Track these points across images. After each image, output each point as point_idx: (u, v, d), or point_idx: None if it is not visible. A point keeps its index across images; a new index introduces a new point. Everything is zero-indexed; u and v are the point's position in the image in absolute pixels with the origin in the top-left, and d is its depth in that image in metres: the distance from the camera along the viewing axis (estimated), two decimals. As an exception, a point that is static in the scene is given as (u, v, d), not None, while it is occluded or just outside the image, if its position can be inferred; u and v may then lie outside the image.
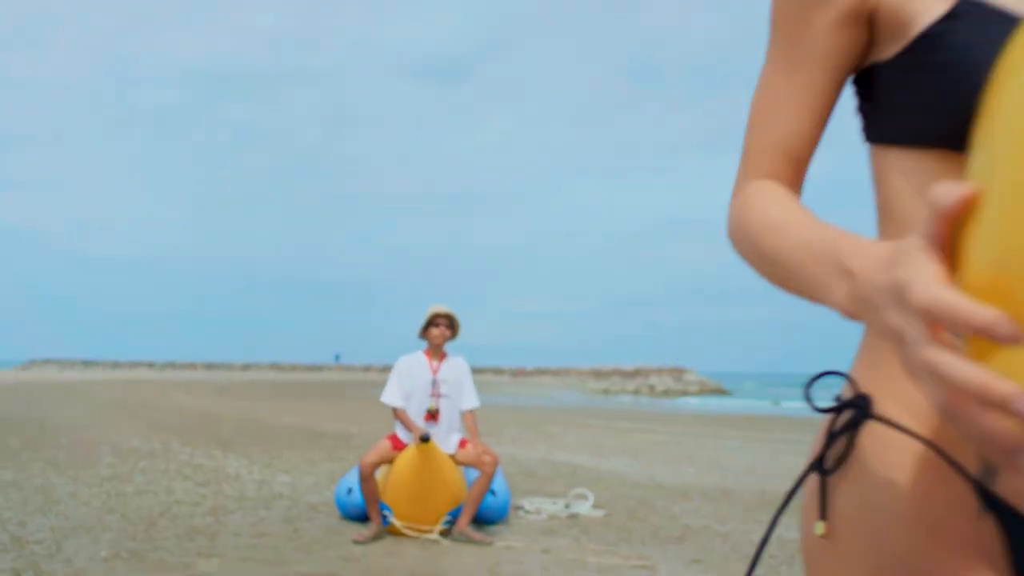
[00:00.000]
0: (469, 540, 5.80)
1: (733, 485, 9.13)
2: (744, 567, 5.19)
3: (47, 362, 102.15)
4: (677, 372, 70.38)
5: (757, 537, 6.17)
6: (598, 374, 76.53)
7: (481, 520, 6.49)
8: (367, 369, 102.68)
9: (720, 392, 60.10)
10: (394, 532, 5.98)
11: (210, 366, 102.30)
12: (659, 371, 71.42)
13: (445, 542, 5.78)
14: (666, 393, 57.03)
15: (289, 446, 12.54)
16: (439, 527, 5.93)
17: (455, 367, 6.35)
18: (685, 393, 57.28)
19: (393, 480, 5.93)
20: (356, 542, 5.72)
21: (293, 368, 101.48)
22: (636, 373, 72.03)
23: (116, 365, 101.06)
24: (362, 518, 6.46)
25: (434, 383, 6.20)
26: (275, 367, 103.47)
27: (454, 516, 6.01)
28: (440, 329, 6.25)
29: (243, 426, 16.53)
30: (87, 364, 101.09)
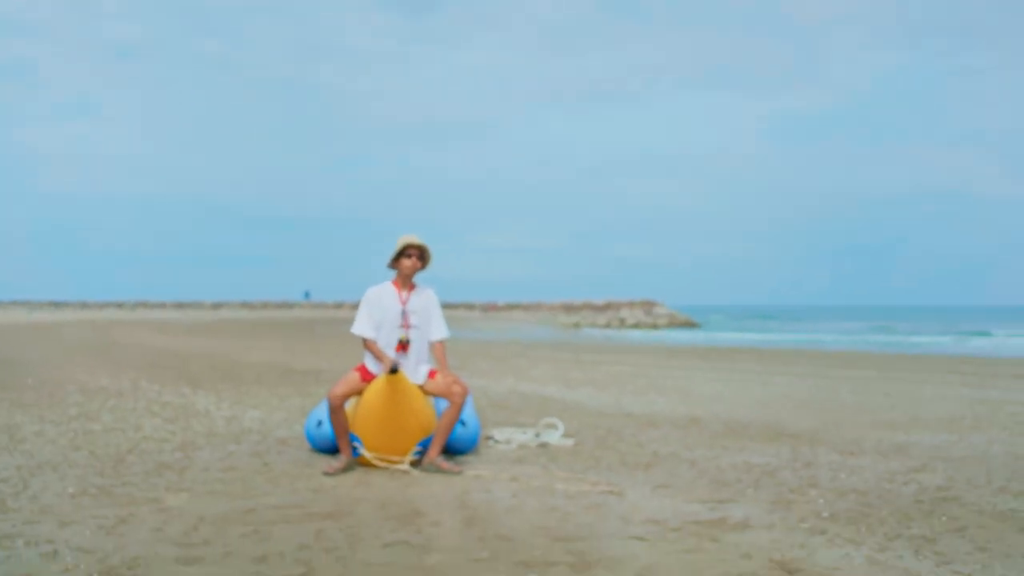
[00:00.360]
0: (439, 470, 5.83)
1: (701, 414, 9.23)
2: (711, 491, 5.26)
3: (14, 303, 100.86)
4: (647, 306, 70.86)
5: (724, 463, 6.26)
6: (569, 308, 76.90)
7: (451, 451, 6.52)
8: (339, 306, 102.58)
9: (690, 325, 60.65)
10: (364, 463, 6.00)
11: (180, 305, 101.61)
12: (630, 305, 71.87)
13: (415, 472, 5.80)
14: (636, 326, 57.46)
15: (259, 382, 12.52)
16: (409, 457, 5.95)
17: (424, 298, 6.29)
18: (655, 326, 57.74)
19: (362, 411, 5.93)
20: (326, 474, 5.74)
21: (264, 306, 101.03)
22: (607, 307, 72.43)
23: (85, 306, 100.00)
24: (332, 450, 6.47)
25: (403, 314, 6.14)
26: (245, 305, 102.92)
27: (424, 447, 6.03)
28: (411, 260, 6.17)
29: (213, 364, 16.48)
30: (56, 305, 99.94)
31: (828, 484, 5.50)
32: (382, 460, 5.92)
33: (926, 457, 6.57)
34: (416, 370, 6.15)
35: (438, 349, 6.26)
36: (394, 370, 5.70)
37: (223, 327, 41.89)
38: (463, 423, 6.50)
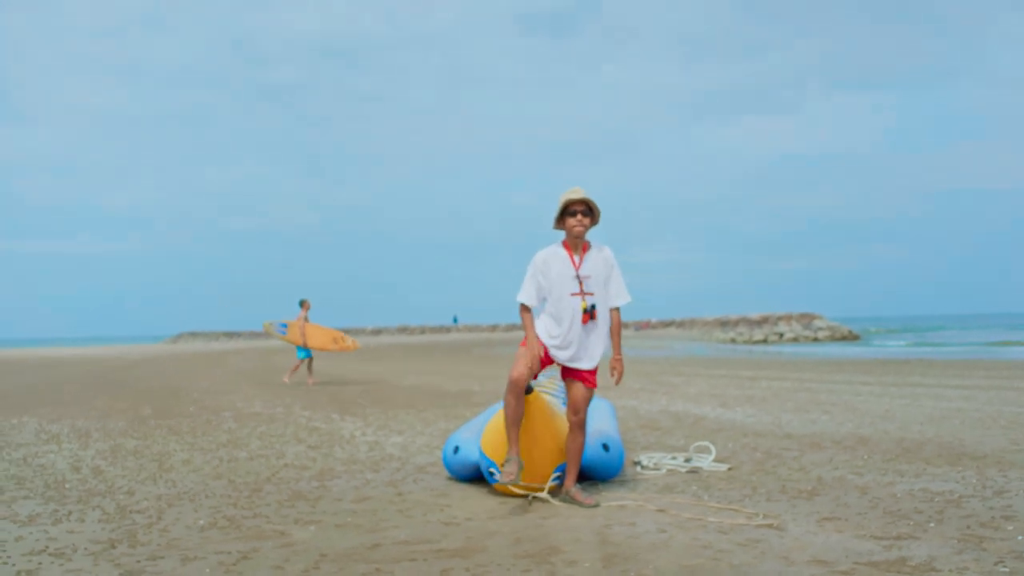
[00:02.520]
0: (574, 501, 5.39)
1: (869, 433, 8.47)
2: (886, 525, 4.65)
3: (194, 334, 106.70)
4: (806, 319, 68.08)
5: (899, 490, 5.59)
6: (724, 323, 74.87)
7: (595, 477, 6.12)
8: (493, 328, 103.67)
9: (851, 338, 57.79)
10: (502, 490, 5.68)
11: (344, 331, 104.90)
12: (787, 318, 69.27)
13: (555, 502, 5.43)
14: (795, 340, 55.23)
15: (408, 406, 12.47)
16: (549, 484, 5.59)
17: (601, 259, 5.55)
18: (815, 340, 55.31)
19: (499, 435, 5.62)
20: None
21: (422, 330, 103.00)
22: (763, 321, 70.04)
23: (256, 335, 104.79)
24: (471, 478, 6.18)
25: (578, 279, 5.44)
26: (403, 329, 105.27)
27: (564, 471, 5.66)
28: (577, 218, 5.42)
29: (366, 388, 16.64)
30: (230, 335, 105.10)
31: (1026, 516, 4.77)
32: (520, 488, 5.58)
33: None
34: (594, 349, 5.51)
35: (615, 318, 5.59)
36: (528, 390, 5.35)
37: (381, 351, 42.82)
38: (606, 447, 6.09)
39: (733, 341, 56.06)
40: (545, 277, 5.46)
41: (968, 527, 4.55)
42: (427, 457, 7.48)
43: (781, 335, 58.02)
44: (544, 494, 5.51)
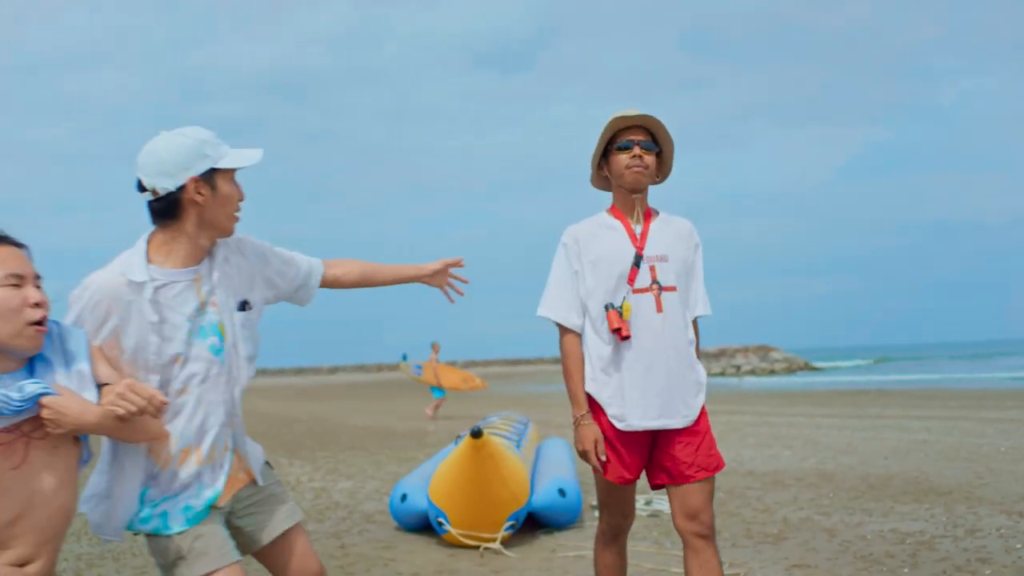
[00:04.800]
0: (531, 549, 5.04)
1: (832, 468, 8.25)
2: (858, 570, 4.38)
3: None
4: (763, 351, 68.41)
5: (869, 531, 5.33)
6: (681, 357, 74.87)
7: (550, 524, 5.79)
8: (450, 364, 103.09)
9: (809, 369, 58.17)
10: (451, 541, 5.33)
11: (299, 371, 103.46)
12: (744, 350, 69.58)
13: (509, 553, 5.09)
14: (752, 372, 55.43)
15: (358, 447, 12.05)
16: (501, 534, 5.25)
17: (679, 234, 3.07)
18: (772, 372, 55.55)
19: (447, 482, 5.28)
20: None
21: (379, 368, 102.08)
22: (720, 354, 70.23)
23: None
24: (419, 527, 5.82)
25: (644, 264, 2.96)
26: (361, 368, 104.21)
27: (517, 519, 5.33)
28: (634, 152, 2.97)
29: (315, 429, 16.16)
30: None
31: (1003, 558, 4.54)
32: (471, 538, 5.23)
33: (1116, 517, 5.50)
34: (689, 386, 3.02)
35: (693, 335, 3.14)
36: (477, 433, 5.02)
37: (333, 390, 42.13)
38: (562, 492, 5.75)
39: (690, 374, 56.00)
40: (588, 263, 3.00)
41: (944, 572, 4.30)
42: (375, 504, 7.09)
43: (738, 368, 58.21)
44: (496, 544, 5.17)
